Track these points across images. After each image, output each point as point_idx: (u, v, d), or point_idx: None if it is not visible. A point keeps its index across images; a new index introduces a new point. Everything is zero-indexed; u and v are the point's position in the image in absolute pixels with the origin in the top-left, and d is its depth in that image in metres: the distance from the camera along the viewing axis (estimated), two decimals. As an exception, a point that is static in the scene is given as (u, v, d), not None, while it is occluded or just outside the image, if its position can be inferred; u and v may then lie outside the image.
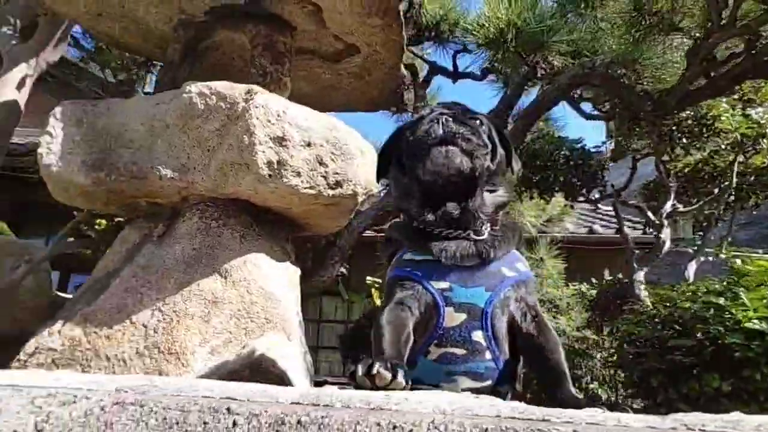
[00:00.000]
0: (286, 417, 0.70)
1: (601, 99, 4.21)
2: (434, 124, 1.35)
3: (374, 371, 0.96)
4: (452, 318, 1.23)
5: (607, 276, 6.09)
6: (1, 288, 2.57)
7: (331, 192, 1.86)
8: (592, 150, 5.20)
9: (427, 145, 1.32)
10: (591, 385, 4.22)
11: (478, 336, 1.24)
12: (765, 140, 4.06)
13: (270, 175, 1.73)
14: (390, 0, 2.12)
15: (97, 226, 3.20)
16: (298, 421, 0.69)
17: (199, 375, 1.72)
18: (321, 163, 1.80)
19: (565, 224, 7.88)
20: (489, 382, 1.25)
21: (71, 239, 3.46)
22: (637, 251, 5.04)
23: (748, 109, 4.05)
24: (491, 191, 1.37)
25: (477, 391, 1.22)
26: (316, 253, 3.35)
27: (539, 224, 7.23)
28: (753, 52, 2.90)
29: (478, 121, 1.40)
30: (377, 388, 0.96)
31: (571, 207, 8.00)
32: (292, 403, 0.81)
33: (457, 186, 1.33)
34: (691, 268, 4.80)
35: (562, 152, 5.05)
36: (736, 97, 4.04)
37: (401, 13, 2.22)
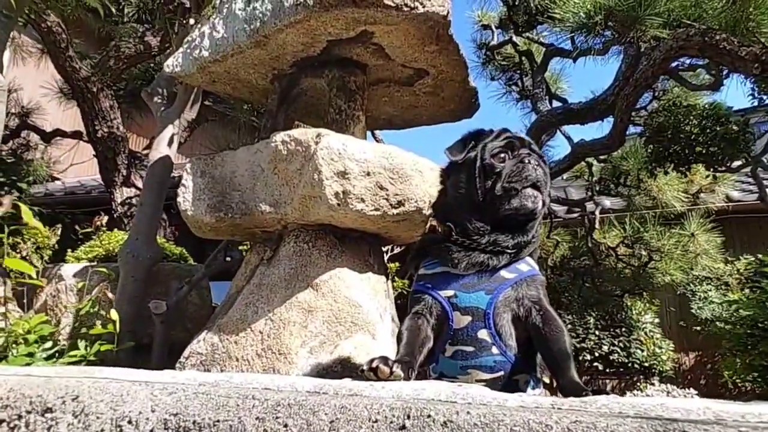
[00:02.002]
0: (281, 401, 1.02)
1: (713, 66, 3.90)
2: (526, 165, 1.50)
3: (374, 365, 1.24)
4: (460, 320, 1.46)
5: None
6: (173, 304, 3.26)
7: (395, 211, 2.15)
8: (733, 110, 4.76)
9: (520, 185, 1.49)
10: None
11: (483, 334, 1.44)
12: None
13: (338, 204, 2.07)
14: (439, 28, 2.34)
15: (240, 247, 3.84)
16: (288, 404, 1.01)
17: (301, 371, 2.12)
18: (381, 188, 2.10)
19: (717, 194, 7.18)
20: (501, 373, 1.45)
21: (228, 258, 4.17)
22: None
23: None
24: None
25: (490, 381, 1.44)
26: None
27: (682, 198, 6.70)
28: None
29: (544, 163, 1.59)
30: (380, 380, 1.24)
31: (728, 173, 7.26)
32: (306, 391, 1.13)
33: (521, 222, 1.52)
34: None
35: (692, 120, 4.73)
36: None
37: (453, 36, 2.42)
